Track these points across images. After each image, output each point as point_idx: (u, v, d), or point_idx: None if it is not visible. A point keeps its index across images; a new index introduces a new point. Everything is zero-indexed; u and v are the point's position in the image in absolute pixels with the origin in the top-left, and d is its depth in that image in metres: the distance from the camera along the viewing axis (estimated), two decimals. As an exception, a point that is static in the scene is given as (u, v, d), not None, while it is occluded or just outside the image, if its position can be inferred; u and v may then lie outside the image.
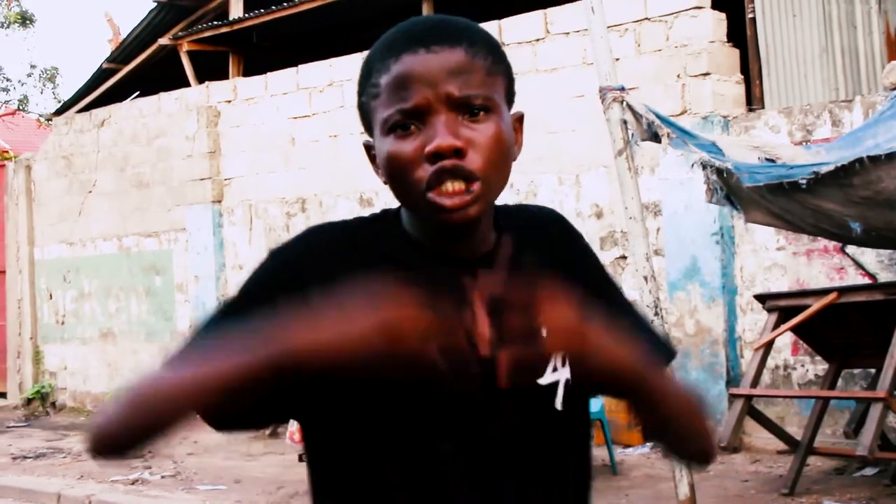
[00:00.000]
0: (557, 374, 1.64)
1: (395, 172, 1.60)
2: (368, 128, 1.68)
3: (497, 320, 1.61)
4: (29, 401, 15.43)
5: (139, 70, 15.72)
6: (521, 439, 1.63)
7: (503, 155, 1.63)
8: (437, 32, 1.62)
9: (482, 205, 1.60)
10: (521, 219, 1.79)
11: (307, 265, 1.65)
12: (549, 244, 1.76)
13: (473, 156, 1.58)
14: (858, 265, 8.74)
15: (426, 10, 12.35)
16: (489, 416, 1.62)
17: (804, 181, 5.96)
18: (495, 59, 1.64)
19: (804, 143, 8.57)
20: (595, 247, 10.05)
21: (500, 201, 1.73)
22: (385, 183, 1.66)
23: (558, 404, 1.65)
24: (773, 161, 6.52)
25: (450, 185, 1.56)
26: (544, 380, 1.64)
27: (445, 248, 1.66)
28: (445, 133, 1.55)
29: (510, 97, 1.68)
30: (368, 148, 1.71)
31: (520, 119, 1.72)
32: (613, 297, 1.78)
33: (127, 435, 1.59)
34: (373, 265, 1.63)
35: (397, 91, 1.59)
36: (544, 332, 1.48)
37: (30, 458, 11.40)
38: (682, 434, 1.70)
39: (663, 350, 1.79)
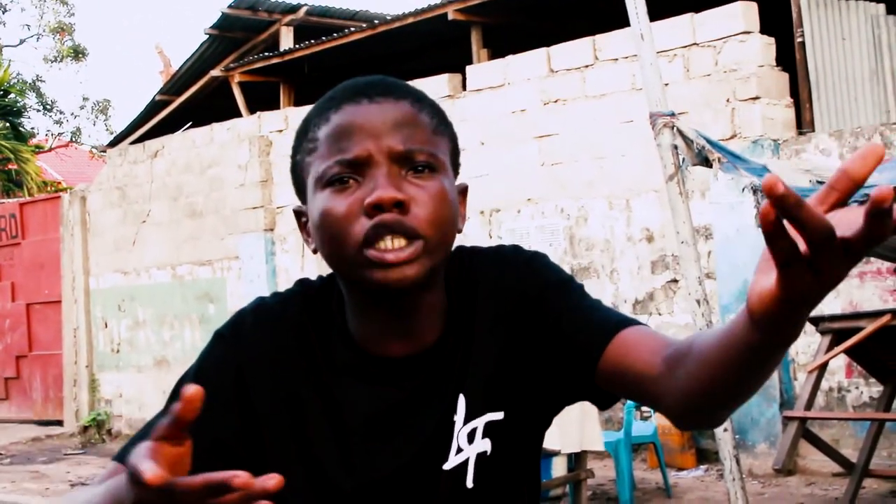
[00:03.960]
0: (464, 454, 1.59)
1: (329, 229, 1.49)
2: (301, 190, 1.58)
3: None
4: (85, 428, 15.59)
5: (191, 101, 15.94)
6: None
7: (448, 217, 1.51)
8: (382, 86, 1.55)
9: (424, 266, 1.48)
10: (484, 271, 1.64)
11: (252, 368, 1.58)
12: (507, 295, 1.62)
13: (416, 212, 1.47)
14: (912, 287, 8.71)
15: (474, 38, 12.46)
16: None
17: (854, 204, 5.96)
18: (441, 121, 1.57)
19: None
20: (646, 271, 9.99)
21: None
22: (315, 251, 1.55)
23: (469, 483, 1.60)
24: (823, 183, 6.51)
25: (389, 241, 1.45)
26: (449, 464, 1.59)
27: (385, 350, 1.58)
28: (387, 185, 1.46)
29: (455, 164, 1.60)
30: (299, 215, 1.61)
31: (464, 191, 1.62)
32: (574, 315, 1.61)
33: None
34: (321, 381, 1.59)
35: (337, 142, 1.50)
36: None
37: (87, 485, 11.51)
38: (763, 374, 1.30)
39: None
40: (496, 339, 1.61)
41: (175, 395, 1.54)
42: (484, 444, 1.60)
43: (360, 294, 1.55)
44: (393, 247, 1.45)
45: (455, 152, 1.61)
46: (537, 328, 1.59)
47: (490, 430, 1.61)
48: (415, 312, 1.56)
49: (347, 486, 1.57)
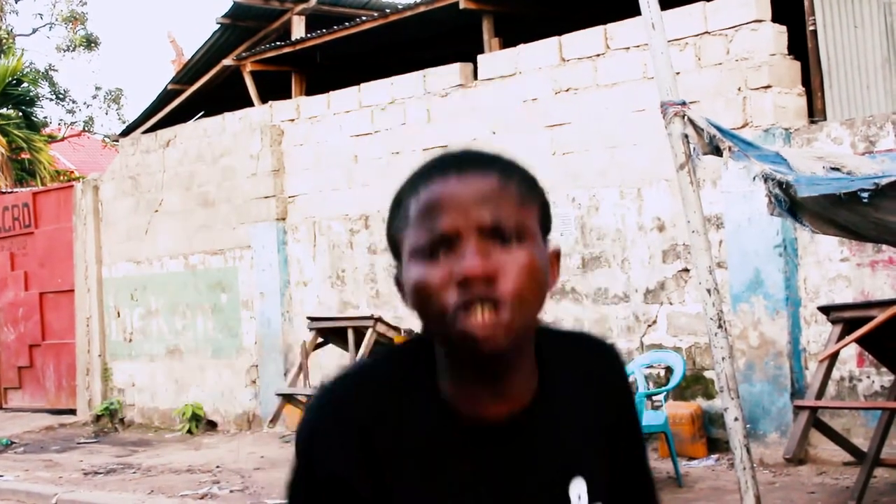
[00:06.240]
0: None
1: (422, 300, 1.55)
2: (397, 257, 1.64)
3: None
4: (98, 417, 15.65)
5: (203, 90, 15.97)
6: None
7: (537, 284, 1.56)
8: (469, 159, 1.60)
9: (514, 335, 1.53)
10: (566, 350, 1.76)
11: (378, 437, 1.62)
12: (590, 377, 1.76)
13: (505, 283, 1.51)
14: (924, 276, 8.69)
15: (486, 27, 12.45)
16: None
17: (865, 194, 5.94)
18: (530, 188, 1.61)
19: (868, 154, 8.55)
20: (657, 260, 9.97)
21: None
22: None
23: None
24: (837, 170, 6.50)
25: (479, 316, 1.50)
26: None
27: (479, 411, 1.62)
28: (475, 259, 1.50)
29: (546, 228, 1.64)
30: (399, 281, 1.66)
31: (556, 254, 1.66)
32: (634, 441, 1.85)
33: None
34: (412, 451, 1.62)
35: (427, 217, 1.55)
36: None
37: (101, 473, 11.57)
38: None
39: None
40: (598, 431, 1.75)
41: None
42: None
43: (455, 357, 1.60)
44: (484, 321, 1.50)
45: (545, 216, 1.64)
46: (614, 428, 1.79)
47: None
48: (509, 374, 1.62)
49: None
